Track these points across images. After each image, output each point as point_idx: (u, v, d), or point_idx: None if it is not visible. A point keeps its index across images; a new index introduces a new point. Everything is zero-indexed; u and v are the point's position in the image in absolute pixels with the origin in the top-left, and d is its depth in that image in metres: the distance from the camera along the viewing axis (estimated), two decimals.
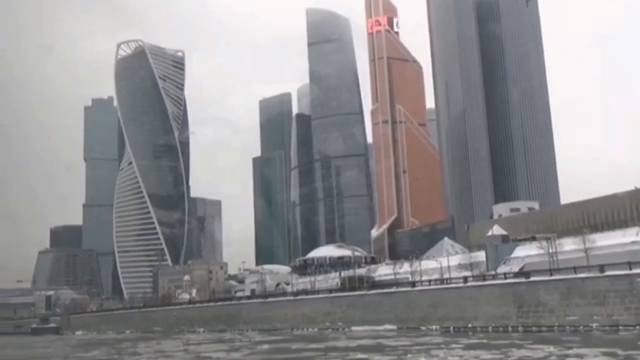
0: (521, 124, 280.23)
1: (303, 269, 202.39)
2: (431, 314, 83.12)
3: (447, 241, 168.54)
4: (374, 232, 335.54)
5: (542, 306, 68.19)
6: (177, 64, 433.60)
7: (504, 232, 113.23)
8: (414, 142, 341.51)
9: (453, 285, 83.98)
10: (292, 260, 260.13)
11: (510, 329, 69.93)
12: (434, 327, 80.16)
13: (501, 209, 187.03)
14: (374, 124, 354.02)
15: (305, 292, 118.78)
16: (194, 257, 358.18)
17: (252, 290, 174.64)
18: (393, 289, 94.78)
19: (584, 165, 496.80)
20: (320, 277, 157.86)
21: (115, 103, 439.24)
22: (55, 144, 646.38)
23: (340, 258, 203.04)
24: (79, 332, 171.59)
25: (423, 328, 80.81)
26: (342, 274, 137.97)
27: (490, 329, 71.94)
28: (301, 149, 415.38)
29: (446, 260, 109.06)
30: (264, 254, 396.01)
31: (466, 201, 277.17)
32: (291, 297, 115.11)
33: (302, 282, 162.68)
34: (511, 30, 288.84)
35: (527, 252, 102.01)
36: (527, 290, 70.50)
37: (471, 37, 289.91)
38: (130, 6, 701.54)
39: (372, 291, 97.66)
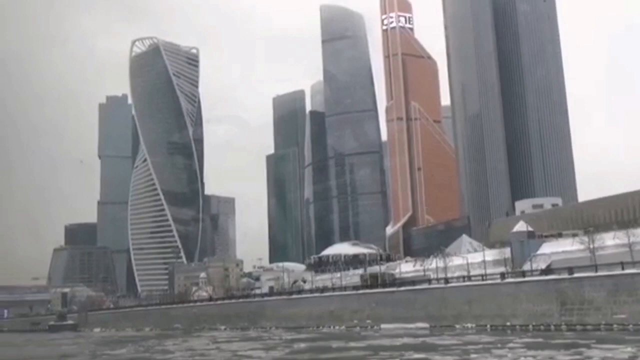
0: (538, 120, 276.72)
1: (318, 266, 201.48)
2: (465, 312, 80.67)
3: (465, 238, 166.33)
4: (389, 230, 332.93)
5: (588, 304, 65.60)
6: (192, 61, 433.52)
7: (529, 228, 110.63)
8: (429, 139, 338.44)
9: (489, 281, 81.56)
10: (307, 258, 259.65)
11: (552, 327, 67.32)
12: (469, 325, 77.62)
13: (523, 205, 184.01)
14: (389, 121, 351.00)
15: (331, 289, 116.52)
16: (208, 254, 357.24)
17: (270, 288, 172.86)
18: (424, 286, 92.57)
19: (587, 165, 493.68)
20: (338, 274, 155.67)
21: (129, 100, 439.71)
22: (69, 141, 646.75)
23: (356, 256, 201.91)
24: (97, 329, 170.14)
25: (457, 326, 78.35)
26: (367, 270, 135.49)
27: (530, 327, 69.39)
28: (315, 147, 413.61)
29: (476, 256, 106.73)
30: (277, 252, 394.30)
31: (482, 199, 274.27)
32: (317, 294, 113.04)
33: (320, 279, 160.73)
34: (528, 26, 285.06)
35: (553, 248, 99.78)
36: (571, 287, 67.97)
37: (487, 33, 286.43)
38: (142, 3, 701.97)
39: (402, 288, 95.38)
